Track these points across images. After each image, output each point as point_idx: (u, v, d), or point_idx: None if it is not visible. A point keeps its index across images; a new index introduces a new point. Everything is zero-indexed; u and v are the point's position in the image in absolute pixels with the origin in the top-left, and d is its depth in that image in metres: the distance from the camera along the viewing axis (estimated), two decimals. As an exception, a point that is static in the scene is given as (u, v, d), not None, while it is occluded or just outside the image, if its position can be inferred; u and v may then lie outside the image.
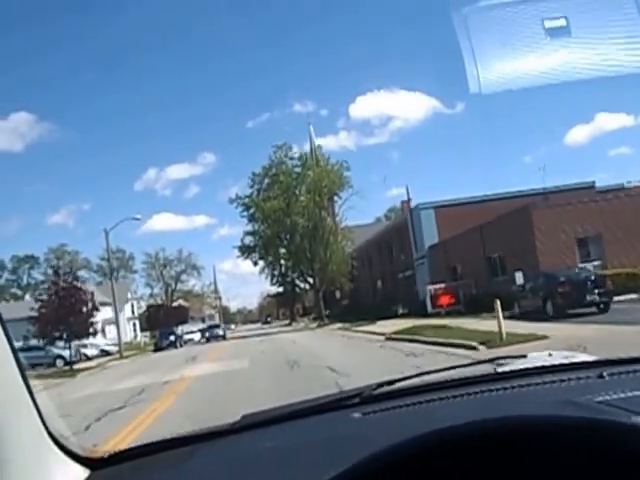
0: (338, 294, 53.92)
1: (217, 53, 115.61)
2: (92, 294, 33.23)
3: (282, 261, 66.35)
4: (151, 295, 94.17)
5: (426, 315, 31.65)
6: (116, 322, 43.24)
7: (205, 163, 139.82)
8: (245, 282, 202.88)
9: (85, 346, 50.33)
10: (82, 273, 75.11)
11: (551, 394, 1.37)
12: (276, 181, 53.14)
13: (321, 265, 54.24)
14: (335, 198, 54.58)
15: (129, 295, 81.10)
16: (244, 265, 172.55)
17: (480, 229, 31.51)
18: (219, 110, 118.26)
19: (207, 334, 53.16)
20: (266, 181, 54.78)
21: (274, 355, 21.50)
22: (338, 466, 0.82)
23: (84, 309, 32.00)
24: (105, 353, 48.70)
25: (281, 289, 77.69)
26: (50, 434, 1.09)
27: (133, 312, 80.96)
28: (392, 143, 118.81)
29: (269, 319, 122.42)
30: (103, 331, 68.66)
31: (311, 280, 58.92)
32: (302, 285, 74.55)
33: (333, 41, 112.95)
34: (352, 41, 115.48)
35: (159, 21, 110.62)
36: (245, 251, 60.68)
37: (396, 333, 22.13)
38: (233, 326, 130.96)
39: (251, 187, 55.62)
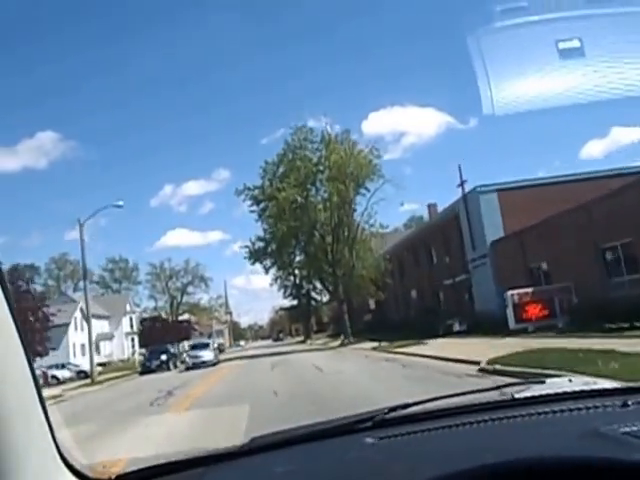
0: (372, 304, 44.22)
1: (231, 70, 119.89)
2: (42, 302, 24.98)
3: (297, 271, 58.08)
4: (155, 308, 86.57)
5: (503, 332, 22.38)
6: (89, 337, 34.10)
7: (220, 179, 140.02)
8: (257, 298, 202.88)
9: (59, 366, 41.87)
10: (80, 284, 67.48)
11: (571, 423, 1.30)
12: (293, 168, 43.81)
13: (345, 269, 44.74)
14: (363, 191, 45.20)
15: (127, 307, 73.53)
16: (256, 280, 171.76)
17: (586, 209, 22.05)
18: (234, 126, 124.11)
19: (188, 359, 36.73)
20: (281, 170, 45.44)
21: (296, 398, 12.09)
22: None
23: (37, 324, 23.99)
24: (84, 375, 40.00)
25: (295, 302, 69.48)
26: (59, 452, 1.07)
27: (132, 326, 72.80)
28: (405, 159, 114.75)
29: (281, 335, 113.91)
30: (97, 347, 59.90)
31: (331, 289, 49.65)
32: (318, 297, 65.69)
33: (346, 56, 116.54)
34: (365, 57, 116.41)
35: (176, 42, 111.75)
36: (255, 255, 51.00)
37: (512, 364, 12.54)
38: (243, 342, 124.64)
39: (263, 177, 46.18)
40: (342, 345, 41.77)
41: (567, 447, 1.12)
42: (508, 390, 1.61)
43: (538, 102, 2.79)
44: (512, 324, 22.81)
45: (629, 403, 1.34)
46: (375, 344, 31.91)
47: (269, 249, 50.56)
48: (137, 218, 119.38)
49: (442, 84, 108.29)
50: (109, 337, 67.87)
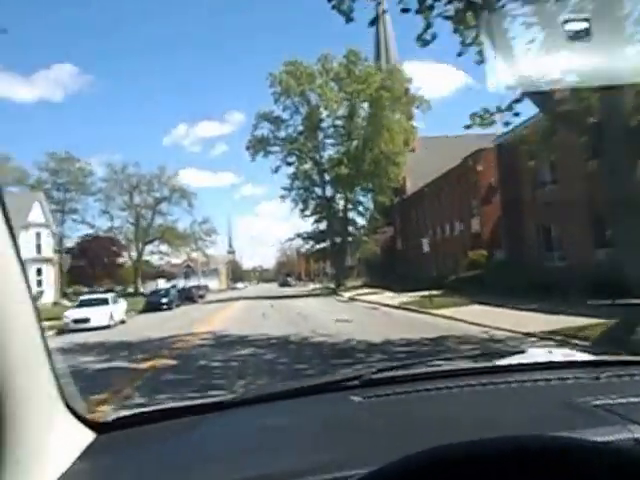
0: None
1: (251, 10, 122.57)
2: None
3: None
4: (111, 229, 62.78)
5: None
6: None
7: (234, 122, 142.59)
8: (263, 244, 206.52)
9: None
10: (11, 189, 48.92)
11: (547, 393, 1.37)
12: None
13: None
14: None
15: (35, 215, 40.26)
16: (262, 223, 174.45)
17: None
18: (250, 69, 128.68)
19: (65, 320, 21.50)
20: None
21: None
22: (336, 448, 1.04)
23: None
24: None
25: (322, 225, 47.81)
26: (62, 395, 1.10)
27: (39, 249, 40.90)
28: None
29: (289, 279, 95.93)
30: None
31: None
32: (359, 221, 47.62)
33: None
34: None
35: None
36: (258, 144, 42.14)
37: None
38: (240, 285, 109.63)
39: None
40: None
41: (540, 417, 1.17)
42: (490, 358, 1.71)
43: (543, 83, 3.43)
44: None
45: (601, 376, 1.40)
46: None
47: (281, 132, 36.81)
48: (150, 156, 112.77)
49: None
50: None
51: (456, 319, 15.06)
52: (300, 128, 43.84)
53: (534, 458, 0.68)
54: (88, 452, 1.14)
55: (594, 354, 1.83)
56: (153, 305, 33.60)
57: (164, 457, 1.17)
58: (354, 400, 1.34)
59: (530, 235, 24.46)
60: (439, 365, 1.66)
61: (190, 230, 65.84)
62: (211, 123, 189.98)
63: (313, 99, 42.55)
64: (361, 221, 47.33)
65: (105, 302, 23.30)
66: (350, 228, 46.69)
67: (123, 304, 25.89)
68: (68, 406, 1.13)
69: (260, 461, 1.05)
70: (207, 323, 18.80)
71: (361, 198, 46.12)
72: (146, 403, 5.73)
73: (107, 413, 1.36)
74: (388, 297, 28.74)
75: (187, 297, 44.29)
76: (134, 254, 64.45)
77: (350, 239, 46.24)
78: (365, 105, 40.57)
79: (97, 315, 21.10)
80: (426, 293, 27.86)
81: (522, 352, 1.80)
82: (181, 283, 61.66)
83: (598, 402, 1.19)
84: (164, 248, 65.66)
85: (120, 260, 54.27)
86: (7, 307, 0.90)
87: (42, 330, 1.02)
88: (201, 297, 51.38)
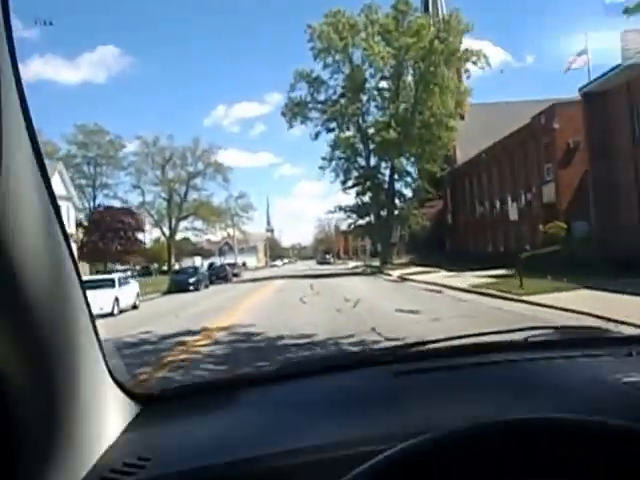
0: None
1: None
2: None
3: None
4: (142, 204, 59.68)
5: None
6: None
7: (272, 102, 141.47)
8: (301, 220, 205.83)
9: None
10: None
11: (579, 370, 1.37)
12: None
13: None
14: None
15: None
16: (300, 202, 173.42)
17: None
18: (289, 51, 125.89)
19: None
20: None
21: None
22: (370, 422, 1.07)
23: None
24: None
25: (366, 197, 42.48)
26: (109, 369, 1.16)
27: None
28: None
29: (327, 257, 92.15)
30: None
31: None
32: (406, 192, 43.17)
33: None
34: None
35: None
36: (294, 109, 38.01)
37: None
38: (279, 262, 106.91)
39: None
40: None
41: (570, 394, 1.17)
42: (523, 334, 1.64)
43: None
44: None
45: (633, 353, 1.40)
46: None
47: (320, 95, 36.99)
48: (189, 137, 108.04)
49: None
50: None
51: (568, 310, 10.97)
52: (341, 90, 39.60)
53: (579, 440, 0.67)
54: (135, 423, 1.21)
55: None
56: (179, 285, 30.38)
57: (206, 428, 1.20)
58: (389, 375, 1.36)
59: (628, 202, 20.03)
60: (472, 339, 1.61)
61: (226, 205, 62.77)
62: (250, 104, 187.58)
63: (356, 57, 38.24)
64: (408, 193, 42.78)
65: (110, 284, 19.12)
66: (396, 201, 42.35)
67: (134, 286, 22.12)
68: (115, 380, 1.19)
69: (294, 434, 1.08)
70: (231, 313, 15.20)
71: (409, 168, 41.63)
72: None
73: (152, 387, 1.22)
74: (445, 277, 24.76)
75: (219, 276, 41.10)
76: (166, 230, 62.06)
77: (396, 213, 41.84)
78: (415, 62, 35.81)
79: (98, 300, 15.86)
80: (493, 272, 23.85)
81: (555, 328, 1.93)
82: (219, 261, 58.88)
83: (629, 380, 1.20)
84: (199, 224, 62.69)
85: (140, 235, 49.91)
86: (58, 290, 0.92)
87: (90, 311, 1.06)
88: (235, 275, 48.10)
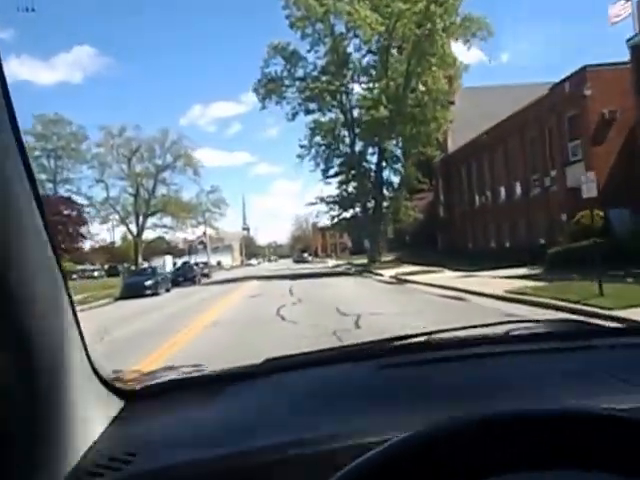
0: None
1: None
2: None
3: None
4: (106, 199, 54.15)
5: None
6: None
7: (249, 102, 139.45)
8: (276, 219, 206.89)
9: None
10: None
11: (562, 362, 1.35)
12: None
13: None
14: None
15: None
16: (277, 200, 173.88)
17: None
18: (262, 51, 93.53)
19: None
20: None
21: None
22: (359, 415, 1.05)
23: None
24: None
25: (350, 187, 37.56)
26: (91, 364, 1.13)
27: None
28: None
29: (305, 255, 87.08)
30: None
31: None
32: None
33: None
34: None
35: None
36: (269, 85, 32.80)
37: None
38: (254, 261, 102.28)
39: None
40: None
41: (555, 385, 1.16)
42: (504, 327, 1.65)
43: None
44: None
45: (616, 345, 1.40)
46: None
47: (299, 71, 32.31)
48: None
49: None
50: None
51: None
52: (322, 65, 34.81)
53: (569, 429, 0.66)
54: (119, 419, 1.19)
55: None
56: (133, 289, 25.42)
57: (191, 423, 1.19)
58: (373, 368, 1.36)
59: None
60: (459, 332, 1.60)
61: (197, 201, 57.24)
62: (226, 104, 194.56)
63: (339, 26, 33.49)
64: (397, 180, 37.99)
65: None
66: (385, 192, 37.66)
67: None
68: (99, 377, 1.17)
69: (279, 429, 1.07)
70: (173, 339, 10.39)
71: (399, 153, 36.94)
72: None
73: (136, 382, 1.41)
74: (454, 278, 20.29)
75: (186, 277, 36.13)
76: (133, 227, 56.87)
77: (385, 204, 37.13)
78: (408, 30, 31.03)
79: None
80: (513, 272, 19.40)
81: (537, 322, 1.91)
82: (192, 260, 54.01)
83: (614, 371, 1.21)
84: (168, 221, 57.33)
85: (83, 230, 44.38)
86: (41, 288, 0.92)
87: (72, 303, 1.03)
88: (205, 276, 43.17)
